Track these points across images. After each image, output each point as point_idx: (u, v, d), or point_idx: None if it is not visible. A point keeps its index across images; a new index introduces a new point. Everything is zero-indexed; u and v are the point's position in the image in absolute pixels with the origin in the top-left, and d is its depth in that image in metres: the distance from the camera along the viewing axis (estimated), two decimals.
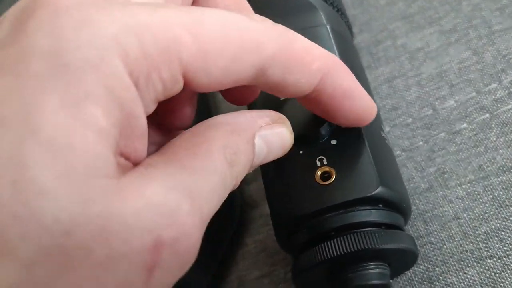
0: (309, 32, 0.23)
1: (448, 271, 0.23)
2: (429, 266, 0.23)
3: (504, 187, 0.24)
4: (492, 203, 0.24)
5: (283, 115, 0.18)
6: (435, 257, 0.23)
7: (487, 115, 0.26)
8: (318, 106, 0.19)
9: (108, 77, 0.13)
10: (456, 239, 0.24)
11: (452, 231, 0.24)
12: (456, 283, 0.23)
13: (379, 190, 0.19)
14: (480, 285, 0.22)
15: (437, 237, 0.24)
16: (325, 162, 0.20)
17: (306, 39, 0.17)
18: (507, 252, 0.22)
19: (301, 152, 0.21)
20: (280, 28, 0.17)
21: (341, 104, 0.18)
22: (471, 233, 0.23)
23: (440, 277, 0.23)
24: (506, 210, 0.23)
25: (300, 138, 0.20)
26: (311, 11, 0.24)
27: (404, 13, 0.31)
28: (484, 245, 0.23)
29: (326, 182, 0.20)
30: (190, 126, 0.16)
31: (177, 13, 0.14)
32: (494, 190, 0.24)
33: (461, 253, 0.23)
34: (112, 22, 0.13)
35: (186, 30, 0.14)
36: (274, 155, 0.18)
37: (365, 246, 0.19)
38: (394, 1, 0.32)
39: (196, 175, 0.14)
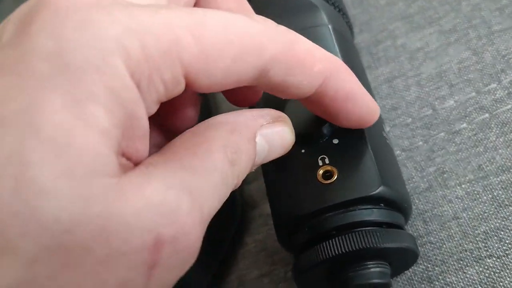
0: (310, 32, 0.23)
1: (448, 270, 0.23)
2: (429, 265, 0.23)
3: (503, 186, 0.24)
4: (491, 202, 0.24)
5: (283, 114, 0.18)
6: (434, 257, 0.24)
7: (487, 115, 0.26)
8: (320, 108, 0.19)
9: (110, 78, 0.13)
10: (456, 239, 0.24)
11: (452, 231, 0.24)
12: (455, 282, 0.23)
13: (381, 189, 0.19)
14: (479, 284, 0.22)
15: (437, 236, 0.24)
16: (327, 161, 0.20)
17: (308, 41, 0.17)
18: (506, 252, 0.22)
19: (303, 151, 0.21)
20: (282, 30, 0.17)
21: (343, 107, 0.18)
22: (471, 233, 0.23)
23: (440, 277, 0.23)
24: (505, 210, 0.23)
25: (302, 137, 0.20)
26: (313, 11, 0.24)
27: (404, 13, 0.31)
28: (483, 244, 0.23)
29: (328, 181, 0.20)
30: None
31: (179, 14, 0.14)
32: (493, 190, 0.24)
33: (461, 252, 0.23)
34: (113, 23, 0.13)
35: (187, 32, 0.14)
36: (276, 154, 0.18)
37: (366, 245, 0.19)
38: (394, 1, 0.32)
39: (196, 174, 0.14)
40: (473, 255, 0.23)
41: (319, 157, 0.20)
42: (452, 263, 0.23)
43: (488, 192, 0.24)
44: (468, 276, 0.23)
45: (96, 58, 0.13)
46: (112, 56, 0.13)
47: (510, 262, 0.22)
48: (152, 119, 0.15)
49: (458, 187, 0.25)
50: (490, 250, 0.23)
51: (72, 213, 0.12)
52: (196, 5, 0.18)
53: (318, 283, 0.21)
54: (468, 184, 0.25)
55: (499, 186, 0.24)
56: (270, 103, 0.20)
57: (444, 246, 0.24)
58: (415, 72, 0.29)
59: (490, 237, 0.23)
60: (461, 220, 0.24)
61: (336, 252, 0.19)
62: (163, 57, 0.14)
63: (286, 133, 0.18)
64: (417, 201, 0.25)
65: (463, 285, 0.22)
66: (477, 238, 0.23)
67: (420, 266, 0.24)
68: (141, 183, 0.13)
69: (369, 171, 0.20)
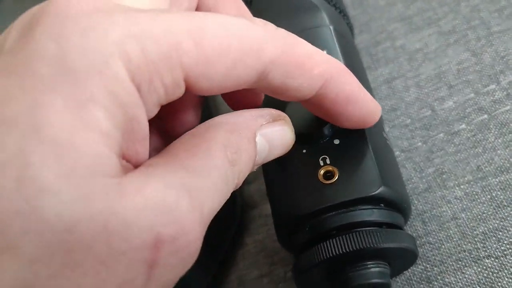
0: (311, 32, 0.23)
1: (446, 270, 0.23)
2: (428, 265, 0.24)
3: (502, 187, 0.24)
4: (490, 203, 0.24)
5: (283, 113, 0.18)
6: (433, 257, 0.24)
7: (486, 116, 0.26)
8: (320, 110, 0.19)
9: (111, 81, 0.13)
10: (454, 239, 0.24)
11: (451, 231, 0.24)
12: (454, 282, 0.23)
13: (381, 189, 0.19)
14: (478, 284, 0.22)
15: (436, 237, 0.24)
16: (328, 161, 0.20)
17: (308, 44, 0.17)
18: (505, 252, 0.23)
19: (304, 151, 0.21)
20: (282, 33, 0.17)
21: (344, 109, 0.18)
22: (469, 233, 0.24)
23: (439, 277, 0.23)
24: (503, 211, 0.23)
25: (303, 137, 0.20)
26: (314, 12, 0.24)
27: (403, 14, 0.32)
28: (482, 245, 0.23)
29: (329, 181, 0.20)
30: None
31: (179, 18, 0.14)
32: (492, 191, 0.24)
33: (459, 253, 0.23)
34: (114, 28, 0.13)
35: (188, 35, 0.14)
36: (276, 153, 0.18)
37: (366, 245, 0.19)
38: (393, 2, 0.32)
39: (196, 174, 0.14)
40: (472, 256, 0.23)
41: (320, 157, 0.20)
42: (450, 263, 0.23)
43: (486, 192, 0.24)
44: (466, 276, 0.23)
45: (98, 61, 0.13)
46: (113, 60, 0.13)
47: (508, 263, 0.22)
48: (153, 123, 0.15)
49: (457, 188, 0.25)
50: (488, 251, 0.23)
51: (73, 212, 0.12)
52: (197, 9, 0.18)
53: (318, 283, 0.21)
54: (467, 184, 0.25)
55: (498, 186, 0.24)
56: (271, 104, 0.20)
57: (443, 246, 0.24)
58: (414, 73, 0.29)
59: (489, 238, 0.23)
60: (460, 221, 0.24)
61: (336, 252, 0.19)
62: (163, 60, 0.14)
63: (286, 132, 0.18)
64: (416, 202, 0.25)
65: (461, 285, 0.23)
66: (475, 239, 0.23)
67: (419, 267, 0.24)
68: (141, 183, 0.13)
69: (370, 171, 0.20)
